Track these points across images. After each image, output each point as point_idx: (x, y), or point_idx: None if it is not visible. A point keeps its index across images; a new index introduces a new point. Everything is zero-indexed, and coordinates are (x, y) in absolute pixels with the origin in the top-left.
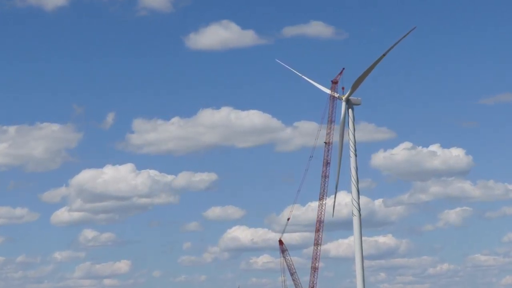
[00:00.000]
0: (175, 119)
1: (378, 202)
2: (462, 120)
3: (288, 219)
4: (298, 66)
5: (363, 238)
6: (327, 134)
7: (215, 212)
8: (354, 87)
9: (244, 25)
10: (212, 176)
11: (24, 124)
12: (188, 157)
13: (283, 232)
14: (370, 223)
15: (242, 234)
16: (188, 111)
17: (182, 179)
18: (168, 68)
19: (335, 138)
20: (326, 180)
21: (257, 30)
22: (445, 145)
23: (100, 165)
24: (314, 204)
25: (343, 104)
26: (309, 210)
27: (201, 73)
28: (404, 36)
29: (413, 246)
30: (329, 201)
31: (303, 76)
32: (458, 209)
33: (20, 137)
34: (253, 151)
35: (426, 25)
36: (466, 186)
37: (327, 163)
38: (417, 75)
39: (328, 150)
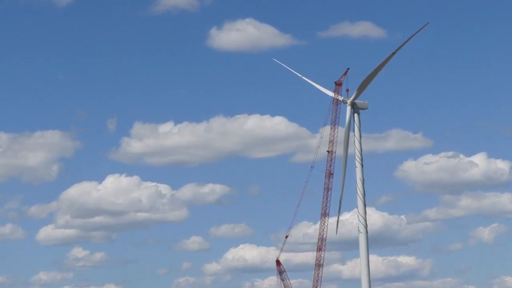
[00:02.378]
0: (183, 125)
1: (402, 217)
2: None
3: (286, 236)
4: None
5: (382, 257)
6: (330, 141)
7: (221, 228)
8: (360, 90)
9: (274, 24)
10: (223, 189)
11: (23, 131)
12: (197, 167)
13: (281, 251)
14: (392, 241)
15: (248, 253)
16: (200, 116)
17: (188, 192)
18: (177, 68)
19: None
20: (329, 193)
21: (289, 31)
22: (491, 155)
23: (97, 176)
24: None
25: (348, 108)
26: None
27: (218, 74)
28: (416, 33)
29: (437, 266)
30: (343, 216)
31: (303, 77)
32: (494, 225)
33: (15, 145)
34: (270, 162)
35: (459, 22)
36: (503, 200)
37: (330, 174)
38: (449, 77)
39: (331, 160)
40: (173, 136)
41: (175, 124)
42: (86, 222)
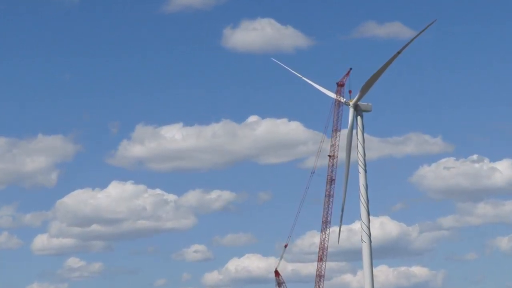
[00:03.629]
0: (190, 128)
1: (416, 226)
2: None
3: (285, 245)
4: None
5: (393, 267)
6: (331, 145)
7: (225, 238)
8: (364, 91)
9: (291, 24)
10: (230, 196)
11: (22, 135)
12: (201, 173)
13: (280, 260)
14: (405, 251)
15: (254, 264)
16: (208, 119)
17: (193, 199)
18: (184, 69)
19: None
20: (331, 200)
21: (311, 32)
22: None
23: (97, 182)
24: (337, 229)
25: (351, 110)
26: (332, 236)
27: (226, 75)
28: (422, 31)
29: (451, 277)
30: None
31: (303, 78)
32: None
33: (14, 150)
34: (281, 168)
35: (481, 20)
36: None
37: (331, 180)
38: (474, 78)
39: (333, 165)
40: (180, 140)
41: (183, 127)
42: (85, 231)
